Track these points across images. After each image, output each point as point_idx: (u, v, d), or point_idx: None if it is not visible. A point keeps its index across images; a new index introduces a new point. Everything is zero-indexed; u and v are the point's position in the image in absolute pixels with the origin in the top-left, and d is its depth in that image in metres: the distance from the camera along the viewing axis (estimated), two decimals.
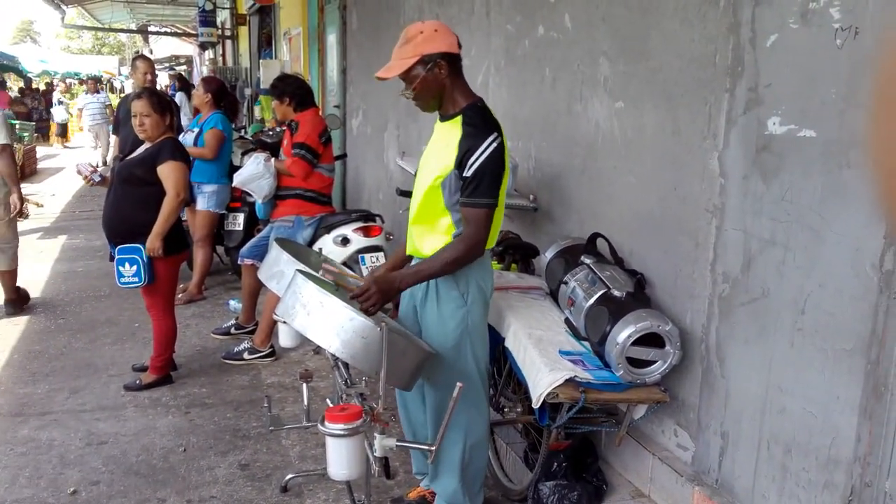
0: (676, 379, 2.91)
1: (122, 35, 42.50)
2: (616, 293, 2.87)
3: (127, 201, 4.22)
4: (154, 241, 4.13)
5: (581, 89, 3.49)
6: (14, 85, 24.89)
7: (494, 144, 2.58)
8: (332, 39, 8.70)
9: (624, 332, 2.71)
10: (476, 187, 2.58)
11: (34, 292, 6.24)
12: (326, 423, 2.23)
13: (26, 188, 11.95)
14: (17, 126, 16.27)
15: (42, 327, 5.48)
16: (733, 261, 2.61)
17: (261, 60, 12.47)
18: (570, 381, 2.72)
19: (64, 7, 19.14)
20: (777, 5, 2.37)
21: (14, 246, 5.77)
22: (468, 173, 2.57)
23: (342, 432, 2.21)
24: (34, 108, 21.60)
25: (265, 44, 13.29)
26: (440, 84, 2.65)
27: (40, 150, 16.42)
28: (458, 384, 2.34)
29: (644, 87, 3.05)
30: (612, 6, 3.24)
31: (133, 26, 27.46)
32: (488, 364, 2.97)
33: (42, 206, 10.60)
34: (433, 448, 2.34)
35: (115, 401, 4.28)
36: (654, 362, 2.77)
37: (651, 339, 2.73)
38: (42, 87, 25.37)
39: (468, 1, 4.72)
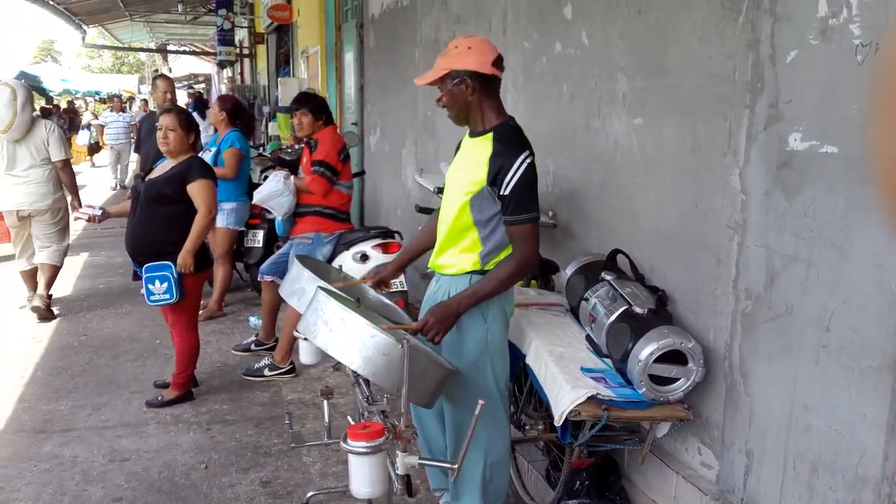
0: (699, 396, 2.89)
1: (141, 54, 43.06)
2: (638, 310, 2.86)
3: (155, 220, 4.26)
4: (186, 258, 4.18)
5: (599, 106, 3.50)
6: (37, 104, 25.24)
7: (528, 161, 2.61)
8: (349, 57, 8.77)
9: (646, 350, 2.70)
10: (518, 205, 2.61)
11: (56, 310, 6.30)
12: (349, 440, 2.23)
13: None
14: None
15: (65, 343, 5.53)
16: (756, 277, 2.60)
17: (279, 79, 12.58)
18: (592, 399, 2.71)
19: (84, 27, 19.43)
20: (797, 21, 2.38)
21: (64, 246, 6.24)
22: (505, 192, 2.60)
23: (365, 450, 2.22)
24: (58, 125, 21.87)
25: (283, 62, 13.43)
26: (465, 101, 2.69)
27: None
28: (480, 402, 2.33)
29: (662, 104, 3.05)
30: (630, 23, 3.25)
31: (152, 45, 27.83)
32: (509, 381, 2.97)
33: None
34: (455, 466, 2.33)
35: (137, 417, 4.31)
36: (678, 380, 2.76)
37: (674, 357, 2.72)
38: (64, 105, 25.69)
39: (485, 19, 4.75)
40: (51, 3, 16.42)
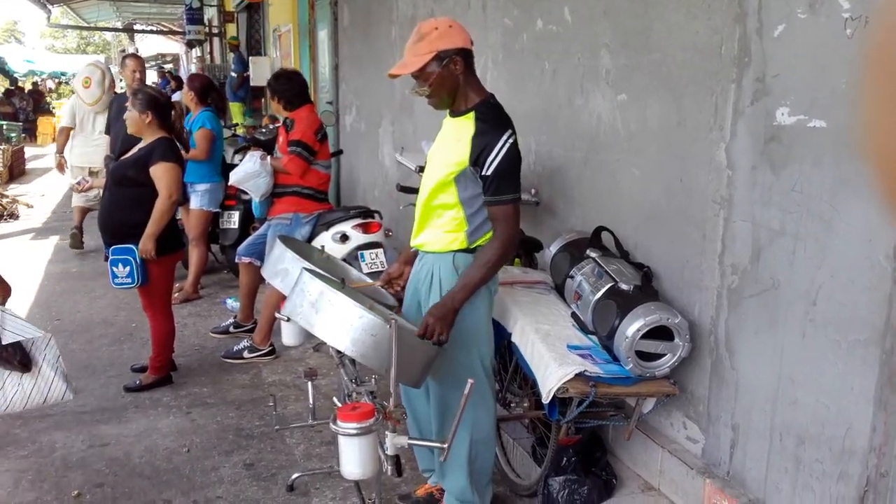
0: (685, 371, 2.91)
1: (107, 34, 42.22)
2: (623, 287, 2.86)
3: (120, 202, 4.19)
4: (146, 243, 4.10)
5: (582, 82, 3.48)
6: (0, 86, 24.69)
7: (511, 141, 2.58)
8: (323, 35, 8.65)
9: (633, 326, 2.70)
10: (499, 185, 2.58)
11: (28, 295, 6.18)
12: (339, 422, 2.21)
13: (15, 189, 11.87)
14: (5, 127, 16.15)
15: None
16: (742, 252, 2.61)
17: (250, 58, 12.40)
18: (579, 376, 2.71)
19: (49, 6, 18.97)
20: None
21: None
22: (488, 172, 2.57)
23: (356, 431, 2.19)
24: (21, 108, 21.44)
25: (234, 50, 13.25)
26: (455, 80, 2.64)
27: (28, 151, 16.27)
28: (470, 381, 2.32)
29: (647, 80, 3.04)
30: None
31: (119, 25, 27.26)
32: (494, 359, 2.96)
33: (32, 206, 10.52)
34: (445, 446, 2.32)
35: (115, 402, 4.24)
36: (664, 355, 2.77)
37: (660, 332, 2.73)
38: (28, 86, 25.16)
39: None
40: None
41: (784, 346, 2.46)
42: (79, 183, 4.69)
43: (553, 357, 2.78)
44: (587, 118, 3.45)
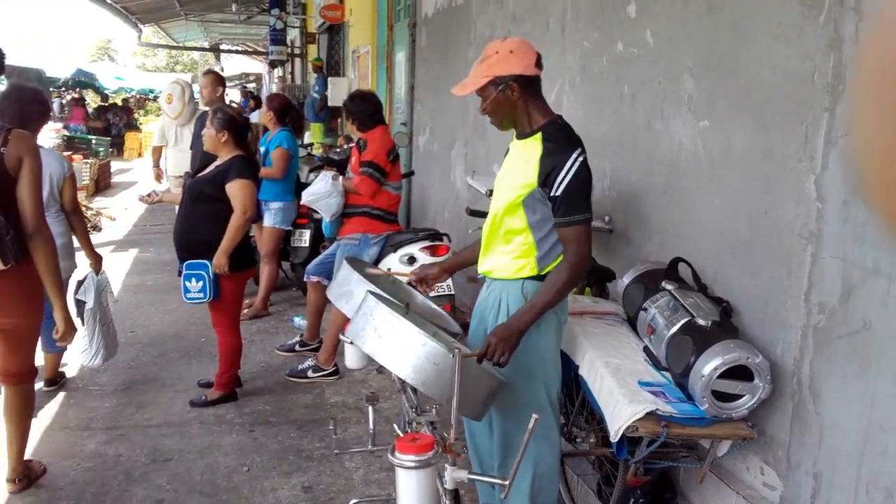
0: (764, 414, 2.73)
1: (195, 53, 43.77)
2: (701, 322, 2.71)
3: (196, 218, 4.25)
4: (220, 258, 4.13)
5: (662, 107, 3.35)
6: (93, 102, 25.77)
7: (580, 160, 2.52)
8: (400, 57, 8.71)
9: (710, 364, 2.55)
10: (569, 206, 2.51)
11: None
12: (397, 453, 2.13)
13: (100, 202, 12.29)
14: (94, 141, 16.81)
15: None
16: (831, 290, 2.43)
17: (329, 78, 12.59)
18: (651, 415, 2.57)
19: (141, 26, 19.76)
20: None
21: None
22: (557, 192, 2.50)
23: (414, 464, 2.11)
24: (113, 123, 22.33)
25: (317, 71, 13.43)
26: (511, 105, 2.60)
27: (115, 165, 16.89)
28: (535, 416, 2.21)
29: (732, 106, 2.90)
30: (699, 22, 3.10)
31: (206, 44, 28.22)
32: (560, 392, 2.86)
33: (115, 219, 10.86)
34: (507, 483, 2.21)
35: (180, 417, 4.28)
36: (742, 396, 2.60)
37: (738, 372, 2.57)
38: (119, 103, 26.19)
39: (542, 18, 4.62)
40: (109, 1, 16.72)
41: (875, 392, 2.28)
42: (149, 195, 4.76)
43: (623, 393, 2.65)
44: (667, 144, 3.32)
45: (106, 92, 23.91)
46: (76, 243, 4.31)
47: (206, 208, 4.21)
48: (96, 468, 3.66)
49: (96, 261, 4.28)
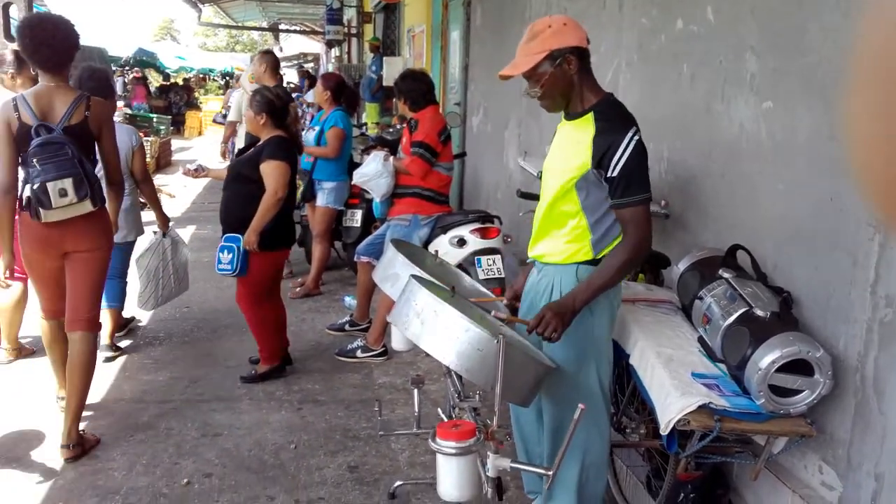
0: (824, 411, 2.61)
1: (254, 33, 44.22)
2: (759, 312, 2.60)
3: (235, 197, 4.35)
4: (250, 235, 4.18)
5: (723, 87, 3.22)
6: (155, 81, 26.28)
7: (636, 138, 2.42)
8: (455, 36, 8.62)
9: (768, 357, 2.44)
10: (627, 185, 2.43)
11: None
12: (438, 439, 2.09)
13: (160, 179, 12.52)
14: (155, 120, 17.14)
15: (167, 315, 5.63)
16: None
17: (385, 58, 12.56)
18: (703, 408, 2.48)
19: (200, 6, 20.00)
20: None
21: None
22: (614, 173, 2.42)
23: (455, 451, 2.07)
24: (174, 102, 22.75)
25: (374, 51, 13.38)
26: (569, 80, 2.50)
27: (175, 143, 17.20)
28: (580, 406, 2.15)
29: (798, 86, 2.76)
30: None
31: (264, 24, 28.46)
32: (612, 381, 2.78)
33: (174, 196, 11.05)
34: (550, 473, 2.16)
35: (231, 392, 4.32)
36: (801, 392, 2.48)
37: (798, 366, 2.46)
38: (180, 82, 26.66)
39: None
40: None
41: None
42: (195, 170, 4.88)
43: (675, 385, 2.56)
44: (727, 126, 3.19)
45: (167, 71, 24.34)
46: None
47: (244, 188, 4.27)
48: (148, 440, 3.73)
49: (164, 222, 4.84)
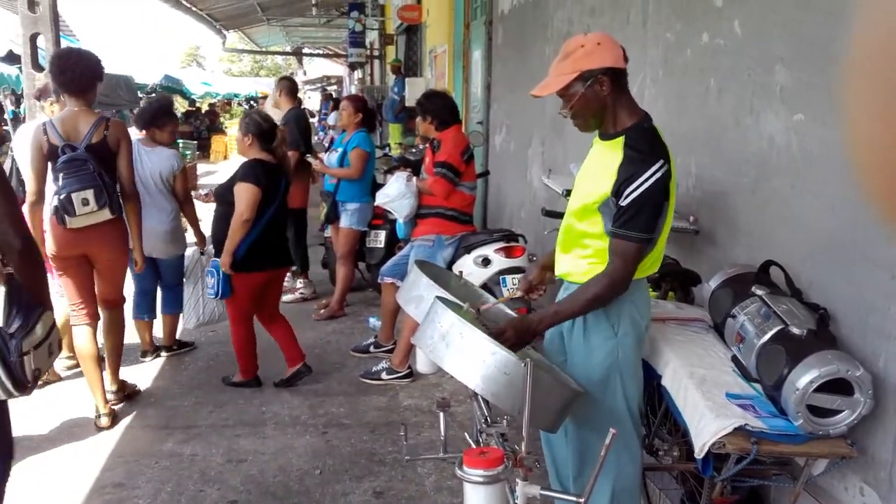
0: (865, 431, 2.51)
1: (278, 57, 44.76)
2: (795, 330, 2.52)
3: (217, 220, 4.55)
4: (223, 258, 4.34)
5: (752, 100, 3.15)
6: (181, 107, 26.61)
7: (659, 174, 2.34)
8: (477, 55, 8.63)
9: (805, 377, 2.35)
10: (630, 218, 2.36)
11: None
12: (465, 467, 2.03)
13: None
14: (181, 144, 17.32)
15: (192, 339, 5.61)
16: None
17: (407, 78, 12.61)
18: (739, 430, 2.39)
19: (225, 32, 20.28)
20: None
21: None
22: (624, 202, 2.36)
23: (482, 479, 2.01)
24: (196, 127, 23.01)
25: (395, 72, 13.45)
26: (601, 102, 2.43)
27: (201, 168, 17.34)
28: (612, 430, 2.08)
29: (829, 97, 2.68)
30: (793, 9, 2.89)
31: (288, 48, 28.80)
32: (641, 403, 2.70)
33: (201, 220, 11.09)
34: (581, 500, 2.09)
35: (255, 417, 4.29)
36: (841, 412, 2.39)
37: (837, 386, 2.37)
38: (205, 108, 26.97)
39: (622, 10, 4.45)
40: (194, 9, 17.21)
41: None
42: (206, 194, 5.13)
43: (709, 406, 2.48)
44: (756, 140, 3.12)
45: (192, 97, 24.64)
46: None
47: (226, 211, 4.41)
48: (172, 467, 3.70)
49: (200, 240, 5.25)
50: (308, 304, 6.60)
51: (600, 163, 2.50)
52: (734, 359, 2.78)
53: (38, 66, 6.00)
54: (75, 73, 3.91)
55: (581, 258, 2.56)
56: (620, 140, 2.45)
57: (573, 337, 2.62)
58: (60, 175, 3.80)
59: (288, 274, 6.10)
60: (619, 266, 2.40)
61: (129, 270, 4.43)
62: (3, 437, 2.29)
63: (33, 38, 5.88)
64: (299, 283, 6.85)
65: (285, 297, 6.61)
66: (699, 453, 2.43)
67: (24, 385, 2.15)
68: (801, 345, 2.45)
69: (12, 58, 8.70)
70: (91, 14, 52.21)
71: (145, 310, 5.08)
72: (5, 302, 2.18)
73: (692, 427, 2.53)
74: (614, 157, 2.42)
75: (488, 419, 2.46)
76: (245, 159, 4.50)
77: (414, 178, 4.75)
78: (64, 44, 6.22)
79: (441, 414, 2.77)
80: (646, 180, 2.34)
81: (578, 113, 2.48)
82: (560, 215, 3.92)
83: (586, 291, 2.45)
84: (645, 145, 2.41)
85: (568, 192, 3.71)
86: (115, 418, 4.17)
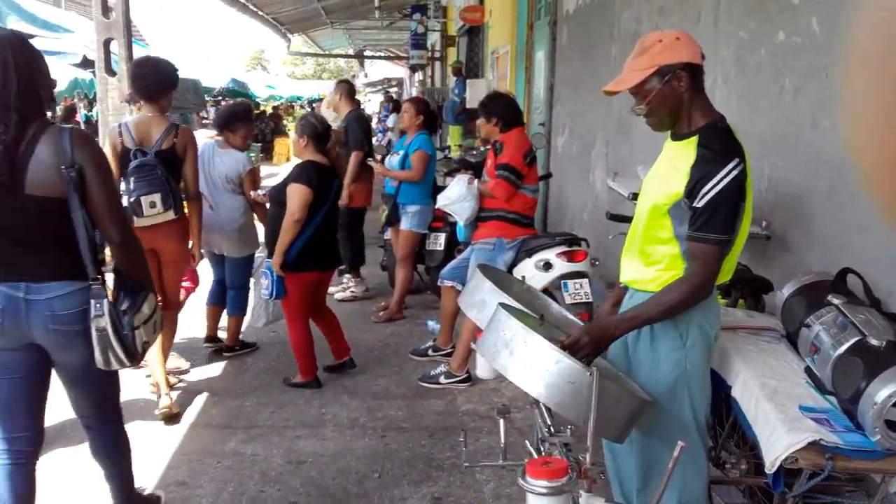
0: None
1: (340, 60, 45.30)
2: (873, 342, 2.39)
3: (271, 220, 4.65)
4: (274, 258, 4.45)
5: (830, 102, 3.02)
6: None
7: (734, 173, 2.25)
8: (540, 56, 8.56)
9: (884, 391, 2.23)
10: (707, 220, 2.27)
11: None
12: (528, 478, 1.98)
13: None
14: None
15: (255, 340, 5.67)
16: None
17: (468, 80, 12.59)
18: (813, 445, 2.29)
19: (290, 35, 20.59)
20: None
21: None
22: (699, 204, 2.27)
23: (546, 490, 1.96)
24: (261, 130, 23.42)
25: (456, 74, 13.43)
26: (678, 98, 2.36)
27: (264, 169, 17.63)
28: (681, 443, 2.01)
29: None
30: (876, 9, 2.76)
31: (350, 51, 29.11)
32: (709, 414, 2.61)
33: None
34: None
35: (315, 418, 4.31)
36: None
37: None
38: (269, 110, 27.43)
39: (693, 9, 4.34)
40: (261, 13, 17.52)
41: None
42: (264, 195, 5.14)
43: (781, 419, 2.38)
44: (834, 142, 2.99)
45: (257, 100, 25.08)
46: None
47: (279, 211, 4.51)
48: (234, 467, 3.73)
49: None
50: (366, 305, 6.62)
51: (671, 163, 2.43)
52: (808, 370, 2.66)
53: (110, 71, 6.16)
54: (148, 80, 4.13)
55: (648, 264, 2.49)
56: (694, 140, 2.37)
57: (639, 346, 2.55)
58: (131, 179, 4.00)
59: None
60: (699, 270, 2.32)
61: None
62: (116, 403, 2.94)
63: (107, 44, 6.03)
64: (346, 280, 6.91)
65: (337, 294, 6.71)
66: (770, 468, 2.33)
67: (134, 355, 2.63)
68: (879, 357, 2.33)
69: (86, 63, 8.97)
70: (161, 20, 53.73)
71: (216, 298, 5.30)
72: (115, 286, 2.64)
73: (763, 440, 2.43)
74: (687, 157, 2.35)
75: (551, 428, 2.40)
76: (300, 161, 4.61)
77: (475, 181, 4.71)
78: (135, 49, 6.37)
79: (501, 420, 2.73)
80: (721, 179, 2.26)
81: (654, 110, 2.41)
82: (626, 219, 3.84)
83: (665, 296, 2.37)
84: (719, 144, 2.33)
85: (634, 196, 3.63)
86: (176, 415, 4.29)
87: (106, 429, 2.89)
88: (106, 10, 6.02)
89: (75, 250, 2.53)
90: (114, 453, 2.94)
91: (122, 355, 2.57)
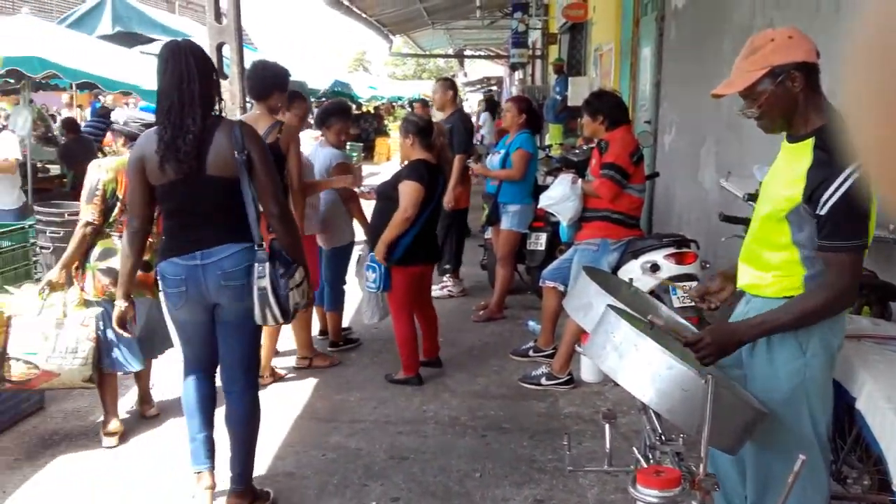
0: None
1: (440, 60, 45.65)
2: None
3: (378, 215, 4.77)
4: (379, 247, 4.54)
5: None
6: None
7: (857, 174, 2.11)
8: (646, 52, 8.35)
9: None
10: (835, 228, 2.16)
11: (353, 302, 6.63)
12: (639, 486, 1.93)
13: None
14: (348, 147, 18.00)
15: (358, 334, 5.77)
16: None
17: (570, 78, 12.43)
18: None
19: (391, 36, 20.89)
20: None
21: None
22: (822, 211, 2.16)
23: (657, 500, 1.90)
24: (365, 129, 23.86)
25: (558, 71, 13.26)
26: (792, 100, 2.25)
27: (365, 169, 17.95)
28: (801, 457, 1.92)
29: None
30: None
31: (450, 51, 29.28)
32: (830, 427, 2.48)
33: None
34: None
35: (416, 415, 4.35)
36: None
37: None
38: (371, 110, 27.91)
39: (811, 0, 4.13)
40: (364, 15, 17.84)
41: None
42: (369, 192, 5.32)
43: None
44: None
45: (359, 101, 25.56)
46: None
47: (386, 206, 4.63)
48: (338, 460, 3.80)
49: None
50: (466, 304, 6.64)
51: (788, 167, 2.32)
52: None
53: (223, 74, 6.39)
54: (255, 81, 4.41)
55: (767, 270, 2.38)
56: (810, 142, 2.26)
57: (756, 354, 2.44)
58: None
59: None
60: (836, 278, 2.21)
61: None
62: (257, 368, 3.43)
63: (219, 48, 6.26)
64: (445, 279, 6.94)
65: (435, 293, 6.69)
66: None
67: (287, 313, 3.10)
68: None
69: None
70: (270, 25, 55.55)
71: (318, 299, 5.29)
72: (271, 255, 3.05)
73: (890, 456, 2.30)
74: (803, 161, 2.24)
75: (662, 435, 2.33)
76: (406, 162, 4.74)
77: (579, 180, 4.63)
78: (245, 53, 6.58)
79: (607, 425, 2.68)
80: (842, 184, 2.14)
81: (766, 113, 2.31)
82: (739, 220, 3.70)
83: (800, 304, 2.27)
84: (837, 146, 2.21)
85: (749, 197, 3.49)
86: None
87: (245, 394, 3.25)
88: (218, 15, 6.26)
89: (241, 220, 3.02)
90: (246, 420, 3.27)
91: (277, 313, 3.04)
